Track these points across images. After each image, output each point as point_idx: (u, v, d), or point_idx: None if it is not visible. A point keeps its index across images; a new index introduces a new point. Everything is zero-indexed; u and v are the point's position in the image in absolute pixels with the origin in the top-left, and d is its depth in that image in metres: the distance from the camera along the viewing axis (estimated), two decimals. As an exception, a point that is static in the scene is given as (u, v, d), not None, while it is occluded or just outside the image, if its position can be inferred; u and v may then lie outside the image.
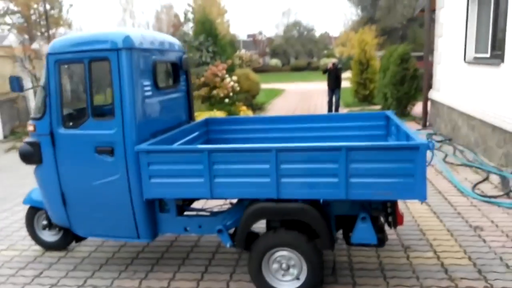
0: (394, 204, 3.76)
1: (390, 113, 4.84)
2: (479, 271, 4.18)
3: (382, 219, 3.93)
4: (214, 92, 16.71)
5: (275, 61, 55.00)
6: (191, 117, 5.23)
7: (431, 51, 12.26)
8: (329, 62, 16.35)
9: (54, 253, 5.05)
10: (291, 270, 3.78)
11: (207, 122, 5.54)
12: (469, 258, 4.46)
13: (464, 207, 5.96)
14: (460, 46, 9.70)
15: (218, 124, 5.56)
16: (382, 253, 4.67)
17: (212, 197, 3.70)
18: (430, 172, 7.76)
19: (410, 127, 12.71)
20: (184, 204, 4.67)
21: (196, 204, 4.86)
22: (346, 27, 48.19)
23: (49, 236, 5.09)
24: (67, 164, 4.10)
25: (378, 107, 16.70)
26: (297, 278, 3.79)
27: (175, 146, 3.81)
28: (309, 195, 3.53)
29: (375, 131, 5.00)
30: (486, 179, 7.14)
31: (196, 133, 5.14)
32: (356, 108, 16.97)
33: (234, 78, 17.60)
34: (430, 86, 12.51)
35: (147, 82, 4.04)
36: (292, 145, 3.54)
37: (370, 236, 3.63)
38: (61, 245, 5.08)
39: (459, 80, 10.05)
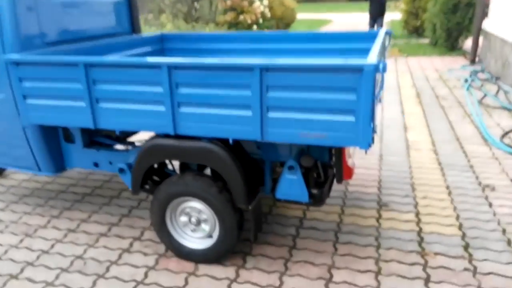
0: (339, 151, 2.70)
1: (377, 32, 3.60)
2: (466, 246, 3.12)
3: (323, 171, 2.90)
4: (241, 17, 15.39)
5: (330, -10, 50.87)
6: (134, 29, 4.27)
7: (490, -32, 10.04)
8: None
9: (-14, 180, 4.56)
10: (202, 225, 2.94)
11: (163, 38, 4.56)
12: (460, 227, 3.37)
13: (482, 159, 4.71)
14: (524, -41, 7.66)
15: (177, 41, 4.56)
16: (347, 209, 3.69)
17: (96, 128, 2.86)
18: (455, 114, 6.41)
19: (457, 62, 11.00)
20: (128, 135, 3.89)
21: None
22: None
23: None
24: None
25: (427, 40, 14.68)
26: (210, 236, 2.96)
27: (49, 56, 2.92)
28: (214, 132, 2.56)
29: (362, 54, 3.79)
30: (524, 126, 5.71)
31: (141, 49, 4.22)
32: (400, 41, 14.97)
33: (265, 2, 16.05)
34: (485, 15, 10.45)
35: (37, -25, 3.09)
36: (188, 61, 2.52)
37: (299, 191, 2.66)
38: (-7, 171, 4.57)
39: (517, 4, 8.10)
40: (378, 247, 3.14)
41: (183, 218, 2.97)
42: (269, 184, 3.06)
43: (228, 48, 4.34)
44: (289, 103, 2.35)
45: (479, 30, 10.59)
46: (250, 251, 3.13)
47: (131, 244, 3.29)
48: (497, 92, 7.64)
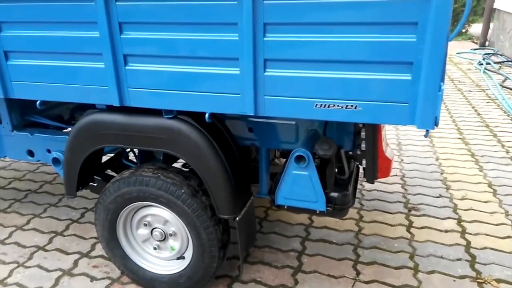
0: (373, 133, 1.81)
1: None
2: (536, 268, 2.28)
3: (347, 164, 1.99)
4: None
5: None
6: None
7: None
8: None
9: None
10: (170, 241, 2.06)
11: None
12: (519, 239, 2.53)
13: (523, 150, 3.87)
14: None
15: None
16: (367, 214, 2.83)
17: (7, 96, 1.96)
18: (476, 98, 5.56)
19: (465, 46, 10.15)
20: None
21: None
22: None
23: None
24: None
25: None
26: (181, 257, 2.08)
27: None
28: (178, 103, 1.67)
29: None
30: (562, 112, 4.88)
31: None
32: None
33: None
34: (498, -8, 9.58)
35: None
36: None
37: (311, 194, 1.78)
38: None
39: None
40: (415, 269, 2.28)
41: (143, 231, 2.08)
42: (266, 182, 2.18)
43: None
44: (297, 51, 1.47)
45: (491, 10, 9.74)
46: (239, 276, 2.26)
47: (75, 263, 2.39)
48: (519, 75, 6.81)
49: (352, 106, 1.48)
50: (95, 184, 2.22)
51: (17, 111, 2.48)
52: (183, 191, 1.85)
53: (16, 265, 2.38)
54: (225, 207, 1.81)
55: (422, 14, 1.28)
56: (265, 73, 1.54)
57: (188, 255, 2.02)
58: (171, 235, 2.03)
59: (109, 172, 2.38)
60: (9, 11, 1.79)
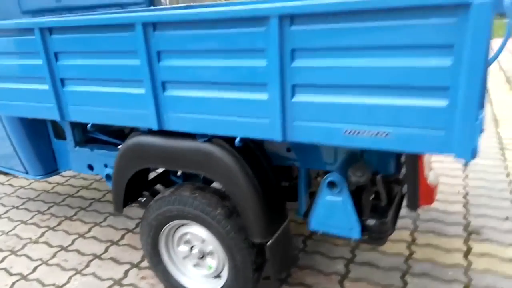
0: (413, 159, 1.69)
1: None
2: None
3: (386, 190, 1.88)
4: None
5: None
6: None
7: None
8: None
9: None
10: (208, 260, 2.10)
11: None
12: None
13: None
14: None
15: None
16: (421, 236, 2.65)
17: (63, 119, 2.12)
18: None
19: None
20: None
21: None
22: None
23: None
24: None
25: None
26: (218, 276, 2.10)
27: None
28: (212, 127, 1.70)
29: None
30: None
31: None
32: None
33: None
34: None
35: None
36: (173, 12, 1.66)
37: (345, 221, 1.71)
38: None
39: None
40: (469, 302, 2.10)
41: (183, 248, 2.14)
42: (305, 203, 2.13)
43: None
44: (326, 76, 1.42)
45: None
46: (277, 297, 2.24)
47: (125, 273, 2.53)
48: None
49: (383, 133, 1.40)
50: (144, 200, 2.34)
51: (79, 129, 2.69)
52: (218, 212, 1.88)
53: (74, 272, 2.57)
54: (255, 231, 1.81)
55: (459, 36, 1.18)
56: (293, 99, 1.52)
57: (225, 274, 2.05)
58: (208, 254, 2.07)
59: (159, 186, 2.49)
60: (64, 42, 1.94)
